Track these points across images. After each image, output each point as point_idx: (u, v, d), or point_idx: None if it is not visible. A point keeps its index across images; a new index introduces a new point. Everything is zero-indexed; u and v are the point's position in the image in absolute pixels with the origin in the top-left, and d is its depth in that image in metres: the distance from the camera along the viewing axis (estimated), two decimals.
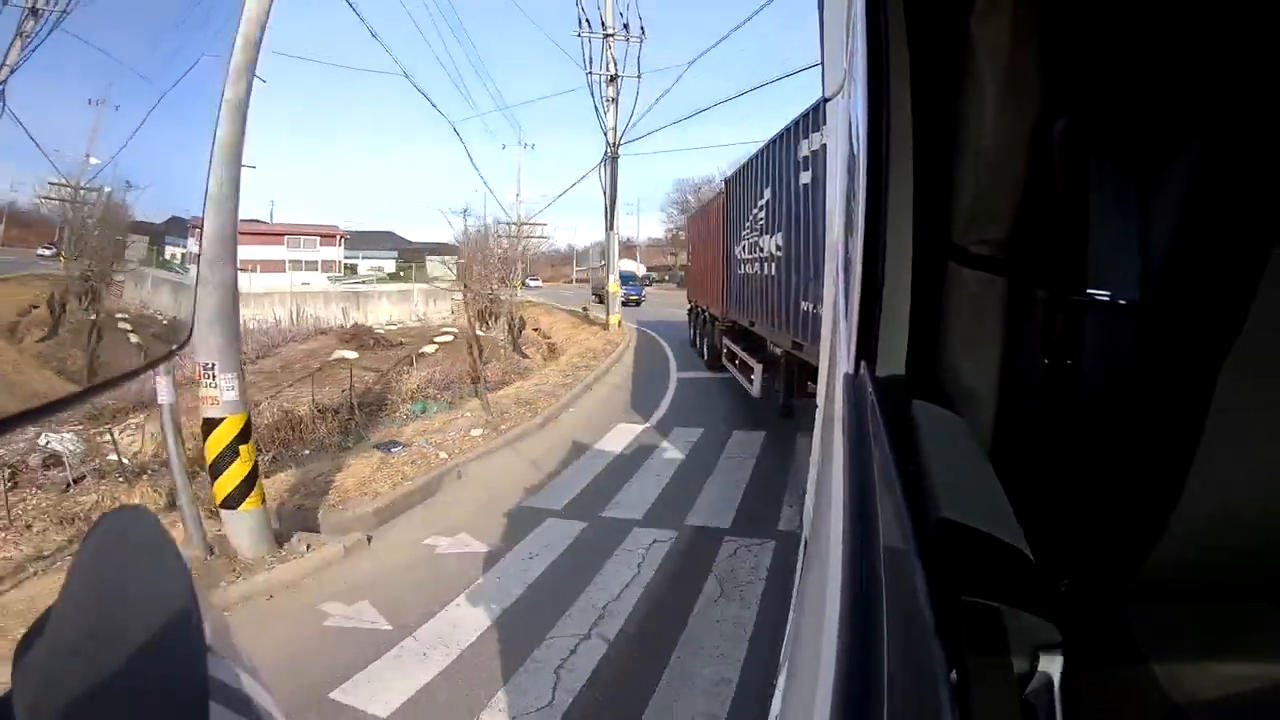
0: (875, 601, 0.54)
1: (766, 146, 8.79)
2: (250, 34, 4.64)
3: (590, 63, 18.94)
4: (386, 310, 27.71)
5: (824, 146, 6.20)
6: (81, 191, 0.56)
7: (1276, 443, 0.75)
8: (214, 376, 4.88)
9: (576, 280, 57.35)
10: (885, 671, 0.48)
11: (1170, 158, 0.87)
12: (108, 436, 8.25)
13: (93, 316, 0.60)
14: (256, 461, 5.15)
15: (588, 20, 18.67)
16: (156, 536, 0.45)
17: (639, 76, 18.81)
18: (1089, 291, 0.89)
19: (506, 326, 16.33)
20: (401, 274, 33.46)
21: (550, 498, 6.49)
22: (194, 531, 4.95)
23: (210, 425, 4.94)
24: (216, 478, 4.97)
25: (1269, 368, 0.73)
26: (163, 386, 4.90)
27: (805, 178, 7.04)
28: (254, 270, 28.36)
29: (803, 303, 7.10)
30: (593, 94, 19.17)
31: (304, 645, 3.94)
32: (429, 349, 16.58)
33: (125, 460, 7.36)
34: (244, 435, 4.99)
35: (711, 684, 3.53)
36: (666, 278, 41.78)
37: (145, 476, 6.89)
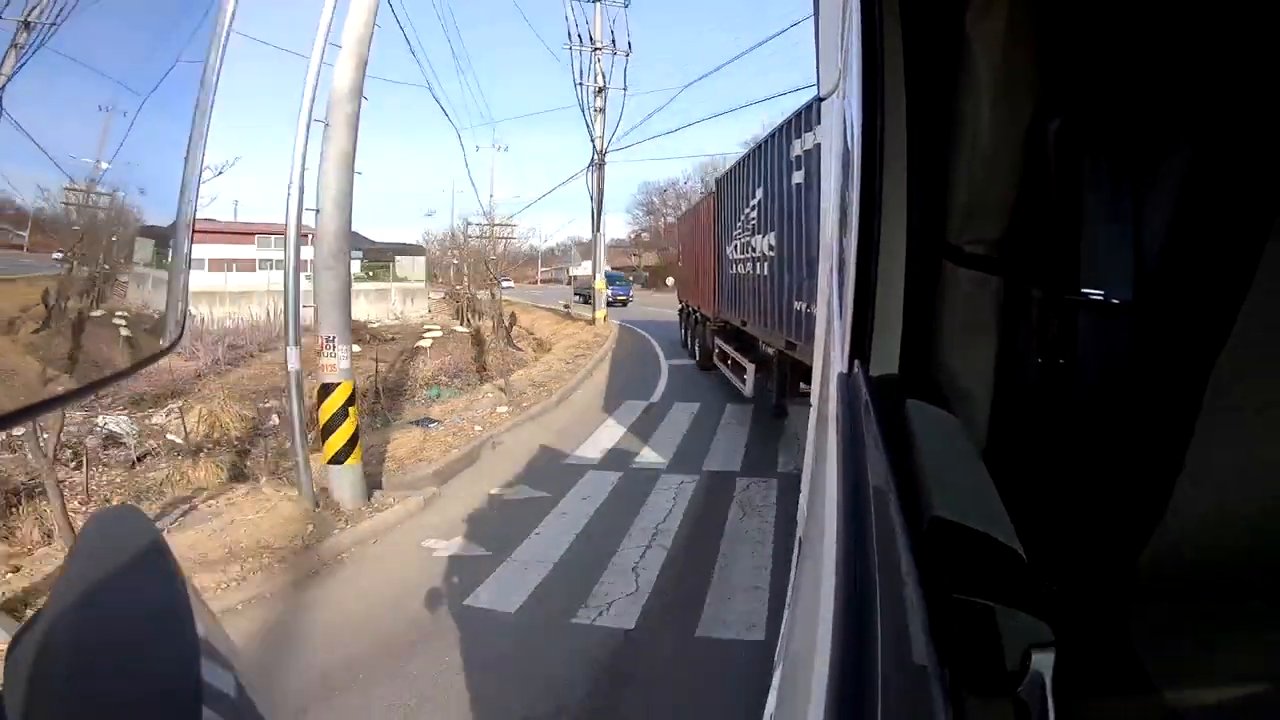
0: (869, 599, 0.54)
1: (758, 146, 8.77)
2: (360, 54, 5.82)
3: (580, 74, 19.59)
4: (364, 309, 27.67)
5: (817, 146, 6.22)
6: (92, 196, 0.56)
7: (1270, 441, 0.75)
8: (334, 348, 5.75)
9: (542, 280, 57.19)
10: (879, 669, 0.48)
11: (1163, 158, 0.87)
12: (155, 419, 9.23)
13: (92, 315, 0.60)
14: (359, 424, 6.03)
15: (579, 35, 19.31)
16: (149, 537, 0.44)
17: (625, 89, 19.61)
18: (1083, 291, 0.90)
19: (495, 323, 16.69)
20: (372, 274, 33.79)
21: (584, 456, 7.69)
22: (306, 485, 5.71)
23: (327, 390, 5.73)
24: (328, 436, 5.72)
25: (1262, 367, 0.74)
26: (292, 355, 5.83)
27: (798, 177, 7.02)
28: (231, 269, 28.29)
29: (796, 303, 7.09)
30: (582, 109, 19.75)
31: (426, 573, 4.82)
32: (424, 343, 17.05)
33: (180, 440, 8.00)
34: (351, 399, 5.81)
35: (752, 565, 4.81)
36: (631, 278, 42.42)
37: (203, 454, 7.59)
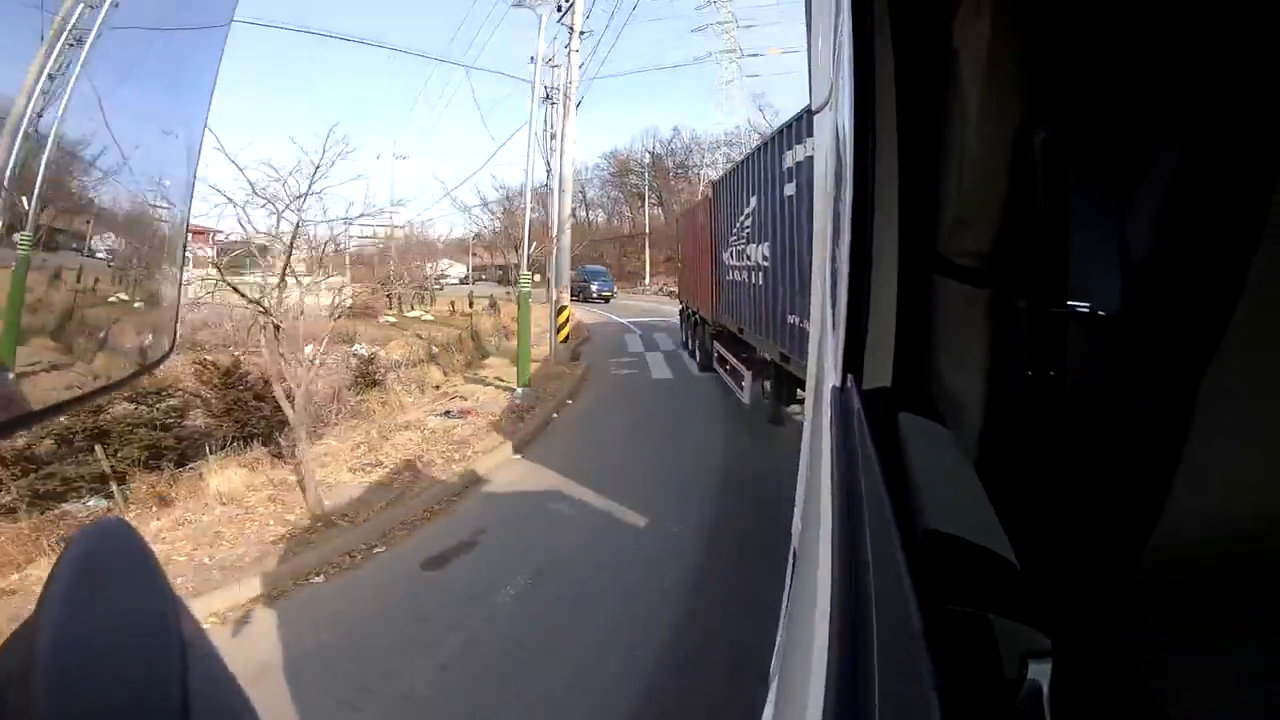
0: (865, 612, 0.54)
1: (753, 154, 8.79)
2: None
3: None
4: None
5: (808, 159, 6.26)
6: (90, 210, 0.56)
7: (1261, 448, 0.76)
8: (564, 292, 15.28)
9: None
10: (875, 681, 0.48)
11: (1149, 168, 0.88)
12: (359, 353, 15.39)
13: (93, 325, 0.60)
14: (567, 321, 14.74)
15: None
16: (135, 549, 0.44)
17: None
18: (1069, 303, 0.90)
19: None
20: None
21: (620, 361, 15.15)
22: (562, 355, 14.33)
23: (562, 308, 14.74)
24: (560, 330, 14.51)
25: (1251, 375, 0.74)
26: (556, 294, 15.11)
27: (790, 189, 7.04)
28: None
29: (789, 316, 7.09)
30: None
31: (620, 378, 13.24)
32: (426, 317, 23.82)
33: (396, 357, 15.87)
34: (563, 311, 14.77)
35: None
36: (481, 276, 40.47)
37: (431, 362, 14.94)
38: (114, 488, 8.08)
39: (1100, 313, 0.89)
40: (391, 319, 25.66)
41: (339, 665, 4.17)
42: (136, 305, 0.68)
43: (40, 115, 0.46)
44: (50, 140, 0.50)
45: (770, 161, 7.81)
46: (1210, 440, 0.77)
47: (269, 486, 7.44)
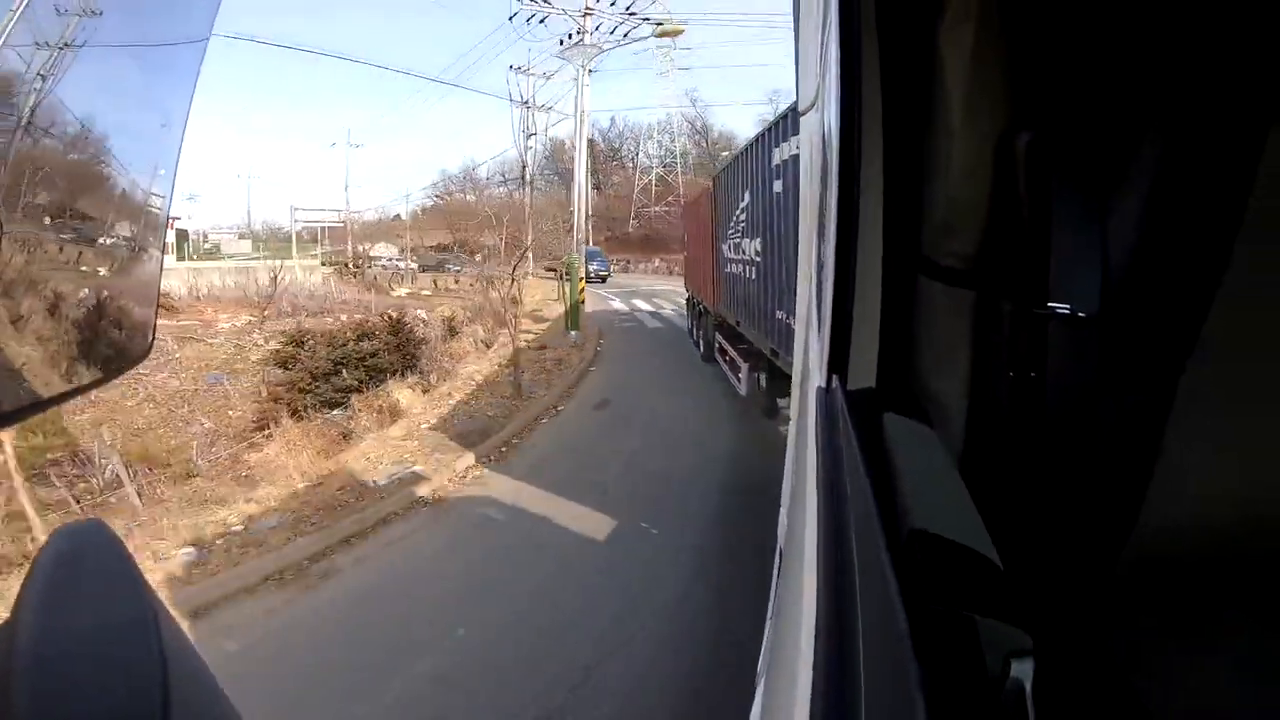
0: (850, 612, 0.54)
1: (745, 149, 8.85)
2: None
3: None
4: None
5: (794, 156, 6.30)
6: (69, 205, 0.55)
7: (1241, 448, 0.77)
8: (588, 269, 20.14)
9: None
10: (861, 679, 0.48)
11: (1130, 171, 0.89)
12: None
13: (71, 323, 0.59)
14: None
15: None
16: (113, 550, 0.43)
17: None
18: (1050, 304, 0.91)
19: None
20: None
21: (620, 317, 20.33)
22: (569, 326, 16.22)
23: (580, 279, 16.57)
24: (581, 292, 16.66)
25: (1227, 377, 0.76)
26: (579, 264, 17.77)
27: (778, 186, 7.09)
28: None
29: (777, 312, 7.12)
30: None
31: (624, 329, 18.47)
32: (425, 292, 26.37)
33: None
34: (581, 281, 16.73)
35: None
36: (412, 260, 42.39)
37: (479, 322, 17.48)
38: (352, 400, 12.00)
39: (1080, 314, 0.90)
40: (404, 292, 29.44)
41: (576, 445, 8.90)
42: (118, 303, 0.67)
43: (26, 119, 0.45)
44: (23, 142, 0.49)
45: (761, 157, 7.84)
46: (1189, 440, 0.78)
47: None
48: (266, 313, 22.59)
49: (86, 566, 0.41)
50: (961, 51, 0.88)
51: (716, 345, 11.63)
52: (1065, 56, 0.90)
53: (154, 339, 0.69)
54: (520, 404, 10.32)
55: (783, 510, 1.12)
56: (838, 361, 0.88)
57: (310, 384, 13.11)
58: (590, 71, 19.57)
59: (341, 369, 13.23)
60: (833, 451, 0.75)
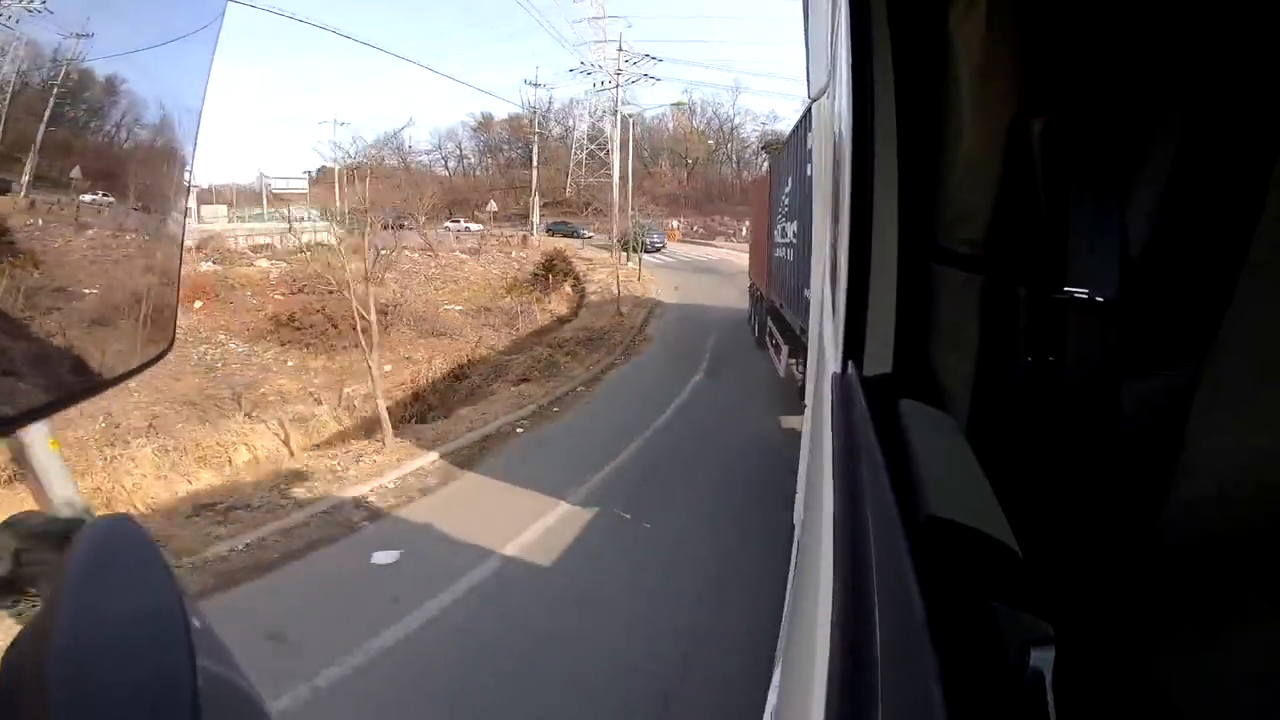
0: (867, 598, 0.54)
1: (792, 132, 8.99)
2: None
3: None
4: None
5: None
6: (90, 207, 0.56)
7: (1261, 433, 0.75)
8: (647, 242, 27.27)
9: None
10: (878, 667, 0.48)
11: (1146, 155, 0.88)
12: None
13: (92, 321, 0.60)
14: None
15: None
16: (143, 545, 0.44)
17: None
18: (1067, 289, 0.90)
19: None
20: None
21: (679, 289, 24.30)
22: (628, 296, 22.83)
23: (644, 251, 26.22)
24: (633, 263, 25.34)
25: (1250, 359, 0.74)
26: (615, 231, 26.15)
27: (809, 170, 7.14)
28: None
29: (805, 291, 7.19)
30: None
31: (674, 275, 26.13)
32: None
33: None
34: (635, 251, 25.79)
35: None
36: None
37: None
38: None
39: (1099, 299, 0.89)
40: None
41: (644, 377, 13.24)
42: (138, 302, 0.68)
43: (46, 112, 0.46)
44: (40, 133, 0.50)
45: (799, 141, 7.94)
46: (1212, 425, 0.77)
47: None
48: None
49: (118, 560, 0.42)
50: (974, 37, 0.86)
51: (767, 329, 11.75)
52: (1078, 42, 0.88)
53: (175, 335, 0.70)
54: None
55: (799, 497, 1.12)
56: (853, 347, 0.87)
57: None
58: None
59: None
60: (849, 437, 0.74)
